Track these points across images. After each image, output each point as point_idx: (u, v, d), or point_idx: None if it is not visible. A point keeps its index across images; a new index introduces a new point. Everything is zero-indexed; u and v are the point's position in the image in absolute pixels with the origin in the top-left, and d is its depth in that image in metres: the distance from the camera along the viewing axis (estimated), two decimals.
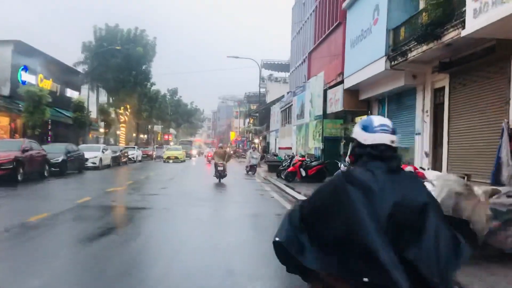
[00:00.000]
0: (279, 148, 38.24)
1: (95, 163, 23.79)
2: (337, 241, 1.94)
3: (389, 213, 1.92)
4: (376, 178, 2.00)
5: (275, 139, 41.24)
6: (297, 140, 29.76)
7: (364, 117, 2.41)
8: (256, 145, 53.77)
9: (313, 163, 17.72)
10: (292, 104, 32.51)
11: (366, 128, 2.17)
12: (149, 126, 74.77)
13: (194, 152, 53.64)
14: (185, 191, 15.22)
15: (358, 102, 19.26)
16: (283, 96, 41.46)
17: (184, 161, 39.72)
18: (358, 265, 1.87)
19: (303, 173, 17.24)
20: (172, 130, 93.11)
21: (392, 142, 2.13)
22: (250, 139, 52.19)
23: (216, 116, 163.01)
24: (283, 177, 18.69)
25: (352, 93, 19.26)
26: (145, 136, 64.23)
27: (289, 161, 18.99)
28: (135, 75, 44.83)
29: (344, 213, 1.95)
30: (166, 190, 15.31)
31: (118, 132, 46.10)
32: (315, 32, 31.11)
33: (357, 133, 2.22)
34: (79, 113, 31.92)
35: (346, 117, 22.79)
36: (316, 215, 2.07)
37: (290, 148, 32.15)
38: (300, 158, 17.51)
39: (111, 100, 44.89)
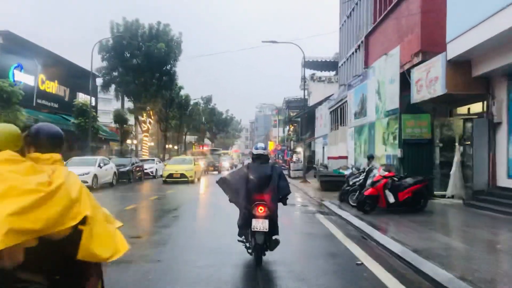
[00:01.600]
0: (328, 158, 31.13)
1: (85, 182, 17.68)
2: (235, 187, 6.27)
3: (258, 176, 6.03)
4: (255, 165, 6.26)
5: (323, 147, 34.15)
6: (356, 147, 22.62)
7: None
8: (299, 155, 46.79)
9: (407, 181, 10.63)
10: (346, 101, 25.45)
11: (255, 148, 6.59)
12: (183, 137, 69.42)
13: (226, 164, 46.56)
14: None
15: (471, 81, 12.11)
16: (330, 96, 34.43)
17: (193, 181, 24.79)
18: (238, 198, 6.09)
19: (391, 199, 10.22)
20: (207, 141, 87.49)
21: (264, 151, 6.52)
22: (292, 147, 45.14)
23: (253, 126, 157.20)
24: (353, 203, 11.78)
25: (459, 67, 12.15)
26: (175, 147, 58.53)
27: (360, 178, 12.02)
28: (159, 77, 39.02)
29: (239, 175, 6.38)
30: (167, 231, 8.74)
31: (134, 142, 40.11)
32: (375, 8, 24.03)
33: (253, 150, 6.57)
34: (82, 118, 26.18)
35: (437, 108, 15.59)
36: (232, 176, 6.62)
37: (346, 158, 24.98)
38: (386, 174, 10.42)
39: (131, 106, 39.18)
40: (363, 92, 21.51)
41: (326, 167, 30.56)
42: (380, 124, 18.49)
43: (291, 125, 67.77)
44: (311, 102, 49.11)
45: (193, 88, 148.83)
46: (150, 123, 40.34)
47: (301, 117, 46.27)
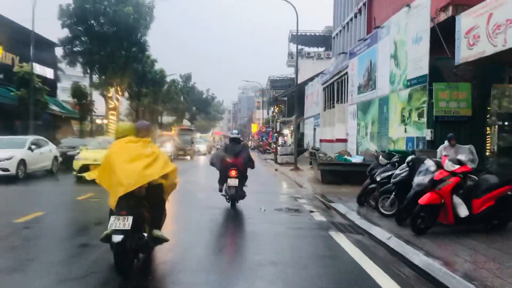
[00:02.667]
0: (321, 141, 27.03)
1: (6, 170, 13.13)
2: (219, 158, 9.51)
3: (233, 154, 9.26)
4: (230, 144, 9.67)
5: (314, 129, 30.02)
6: (360, 127, 18.51)
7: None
8: (285, 138, 42.54)
9: (488, 180, 6.44)
10: (346, 73, 21.22)
11: (231, 133, 10.19)
12: (159, 117, 64.63)
13: (202, 147, 41.94)
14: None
15: None
16: (322, 72, 30.13)
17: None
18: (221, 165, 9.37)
19: (463, 210, 6.05)
20: (186, 122, 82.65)
21: (237, 135, 10.00)
22: (278, 129, 40.87)
23: (236, 107, 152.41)
24: (385, 211, 7.63)
25: None
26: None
27: (398, 173, 7.80)
28: (127, 47, 34.07)
29: (221, 150, 10.02)
30: None
31: (104, 121, 35.18)
32: None
33: (230, 134, 10.31)
34: (24, 90, 21.38)
35: (484, 77, 11.53)
36: (217, 153, 10.98)
37: (345, 141, 20.89)
38: (457, 168, 6.14)
39: (94, 80, 34.21)
40: (371, 59, 17.31)
41: (317, 150, 26.59)
42: (398, 97, 14.34)
43: (276, 106, 63.50)
44: (299, 80, 44.73)
45: (172, 67, 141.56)
46: (117, 99, 35.47)
47: (288, 96, 42.10)
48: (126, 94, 42.65)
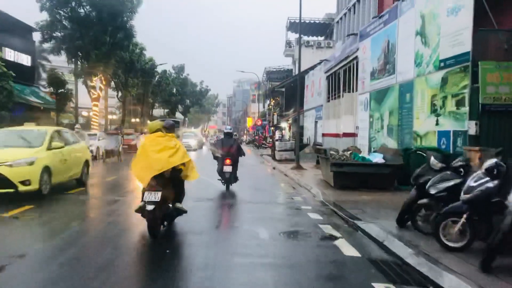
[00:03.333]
0: (324, 136, 24.49)
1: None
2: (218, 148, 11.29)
3: (227, 146, 11.24)
4: (225, 138, 11.62)
5: (315, 122, 27.39)
6: (374, 120, 15.91)
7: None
8: (283, 132, 39.88)
9: None
10: (355, 57, 18.59)
11: (225, 128, 12.39)
12: (150, 110, 61.96)
13: (192, 142, 35.51)
14: None
15: None
16: (322, 61, 27.45)
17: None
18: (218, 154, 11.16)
19: None
20: (179, 115, 79.77)
21: (230, 130, 12.11)
22: (275, 122, 38.19)
23: (231, 101, 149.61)
24: (453, 244, 5.03)
25: None
26: (137, 120, 50.38)
27: (452, 177, 5.27)
28: (112, 32, 31.22)
29: (218, 142, 11.80)
30: None
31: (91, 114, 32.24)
32: None
33: (224, 129, 12.53)
34: None
35: None
36: (214, 144, 12.06)
37: (354, 135, 18.33)
38: None
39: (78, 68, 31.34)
40: (389, 39, 14.68)
41: (319, 146, 24.02)
42: (426, 82, 11.74)
43: (272, 99, 60.85)
44: (297, 71, 42.09)
45: (164, 56, 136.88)
46: (101, 89, 32.65)
47: (286, 87, 39.43)
48: (113, 84, 39.96)
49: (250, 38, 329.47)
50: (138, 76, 42.98)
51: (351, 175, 10.89)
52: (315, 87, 27.84)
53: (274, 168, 19.87)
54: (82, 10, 31.02)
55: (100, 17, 30.72)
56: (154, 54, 50.85)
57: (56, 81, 24.77)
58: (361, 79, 17.43)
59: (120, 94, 40.13)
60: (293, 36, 46.56)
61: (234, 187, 11.50)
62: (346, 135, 19.25)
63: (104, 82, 32.80)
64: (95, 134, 23.68)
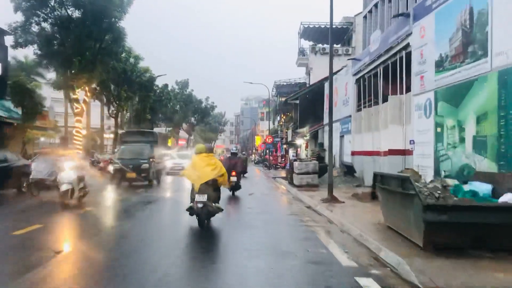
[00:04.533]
0: (353, 154, 19.45)
1: None
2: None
3: (233, 162, 14.96)
4: (231, 157, 15.81)
5: (340, 137, 22.27)
6: (446, 130, 10.77)
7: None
8: (298, 149, 34.74)
9: None
10: (405, 46, 13.58)
11: (232, 149, 17.09)
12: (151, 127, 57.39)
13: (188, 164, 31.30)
14: None
15: None
16: (343, 67, 22.55)
17: None
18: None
19: None
20: (183, 134, 75.05)
21: (236, 150, 17.01)
22: (289, 139, 33.09)
23: (239, 119, 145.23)
24: None
25: None
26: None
27: None
28: (97, 34, 26.66)
29: (227, 161, 15.27)
30: None
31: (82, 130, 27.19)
32: None
33: (231, 150, 17.07)
34: None
35: None
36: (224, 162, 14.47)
37: (405, 153, 13.25)
38: None
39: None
40: (472, 5, 9.66)
41: (350, 166, 18.96)
42: None
43: (283, 115, 55.92)
44: (313, 80, 37.30)
45: (168, 76, 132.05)
46: (85, 102, 27.89)
47: (300, 99, 34.44)
48: (104, 98, 35.30)
49: (258, 52, 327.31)
50: (134, 90, 38.42)
51: (459, 227, 5.74)
52: (339, 95, 22.84)
53: (294, 197, 14.76)
54: (64, 11, 26.64)
55: (84, 18, 26.29)
56: (158, 70, 46.51)
57: (20, 91, 20.03)
58: (418, 74, 12.37)
59: (112, 109, 35.40)
60: (306, 44, 41.79)
61: (240, 245, 7.23)
62: (392, 152, 14.12)
63: (88, 94, 28.06)
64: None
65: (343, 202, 11.77)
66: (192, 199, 8.57)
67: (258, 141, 78.65)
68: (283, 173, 26.35)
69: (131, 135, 22.98)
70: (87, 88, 27.38)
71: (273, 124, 59.58)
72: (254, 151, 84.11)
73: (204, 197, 8.33)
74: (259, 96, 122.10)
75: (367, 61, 17.57)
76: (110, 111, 35.73)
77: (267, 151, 55.14)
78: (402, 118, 13.79)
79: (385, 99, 15.71)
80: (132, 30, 30.36)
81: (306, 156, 28.68)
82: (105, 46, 27.59)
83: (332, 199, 11.95)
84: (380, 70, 16.30)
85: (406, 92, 13.87)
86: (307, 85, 39.20)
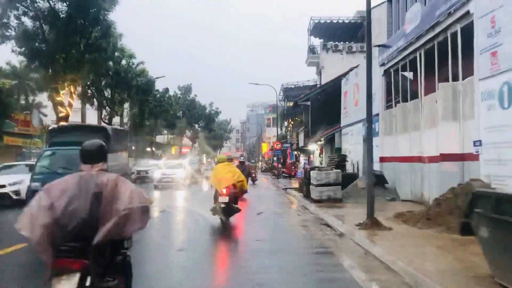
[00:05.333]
0: (382, 160, 16.13)
1: None
2: None
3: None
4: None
5: (363, 141, 18.86)
6: None
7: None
8: (311, 156, 31.35)
9: None
10: (461, 16, 10.29)
11: (239, 157, 22.29)
12: (154, 135, 54.58)
13: (179, 175, 22.63)
14: None
15: None
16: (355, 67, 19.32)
17: None
18: None
19: None
20: (187, 141, 71.92)
21: (243, 158, 22.28)
22: (302, 145, 29.76)
23: (245, 126, 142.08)
24: None
25: None
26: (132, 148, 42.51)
27: None
28: (83, 27, 23.61)
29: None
30: None
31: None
32: None
33: (239, 159, 21.17)
34: None
35: None
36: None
37: (466, 158, 9.87)
38: None
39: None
40: None
41: (380, 175, 15.54)
42: None
43: (291, 120, 52.63)
44: (325, 79, 34.05)
45: (172, 83, 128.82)
46: (70, 105, 24.74)
47: (312, 100, 31.10)
48: (96, 102, 32.18)
49: (264, 56, 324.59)
50: (131, 94, 35.36)
51: None
52: (361, 92, 19.51)
53: (315, 218, 11.39)
54: (46, 3, 23.64)
55: (68, 10, 23.28)
56: (159, 75, 43.38)
57: None
58: (487, 50, 9.03)
59: (104, 113, 32.28)
60: (316, 42, 38.53)
61: None
62: (444, 158, 10.75)
63: (74, 96, 24.93)
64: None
65: (390, 228, 8.38)
66: (215, 201, 10.09)
67: (264, 148, 75.26)
68: (294, 183, 22.98)
69: (66, 132, 14.71)
70: (72, 90, 24.24)
71: (281, 129, 56.24)
72: (260, 158, 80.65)
73: (226, 199, 9.75)
74: (265, 102, 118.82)
75: (401, 45, 14.24)
76: (103, 116, 32.56)
77: (275, 158, 51.86)
78: (459, 112, 10.43)
79: (428, 91, 12.37)
80: (133, 33, 27.59)
81: (320, 163, 25.31)
82: (92, 42, 24.54)
83: (373, 224, 8.56)
84: (420, 55, 12.95)
85: (460, 79, 10.53)
86: (318, 86, 35.94)
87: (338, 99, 25.54)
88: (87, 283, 3.13)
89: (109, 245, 3.23)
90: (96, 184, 3.26)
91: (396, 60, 15.01)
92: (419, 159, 12.49)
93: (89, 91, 29.26)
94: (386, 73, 16.22)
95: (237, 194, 10.33)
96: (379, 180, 16.18)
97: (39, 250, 3.01)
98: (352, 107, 20.86)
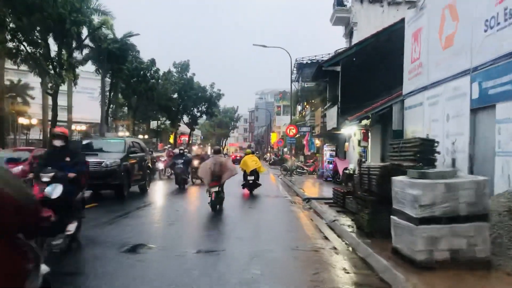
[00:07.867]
0: None
1: None
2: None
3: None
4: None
5: (471, 115, 9.35)
6: None
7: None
8: (347, 146, 21.76)
9: None
10: None
11: (249, 148, 38.28)
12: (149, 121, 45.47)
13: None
14: None
15: None
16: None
17: None
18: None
19: None
20: (184, 128, 62.46)
21: (252, 149, 31.36)
22: (331, 128, 20.21)
23: (253, 115, 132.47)
24: None
25: None
26: (126, 134, 33.77)
27: None
28: None
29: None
30: None
31: None
32: None
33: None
34: None
35: None
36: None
37: None
38: None
39: None
40: None
41: None
42: None
43: (306, 104, 43.10)
44: (354, 40, 24.51)
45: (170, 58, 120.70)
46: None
47: (343, 65, 21.33)
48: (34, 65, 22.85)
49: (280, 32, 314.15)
50: (93, 56, 26.10)
51: None
52: (465, 14, 9.91)
53: None
54: None
55: None
56: (160, 55, 33.91)
57: None
58: None
59: (48, 82, 22.90)
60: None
61: None
62: None
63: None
64: None
65: None
66: (245, 179, 16.25)
67: (274, 138, 65.46)
68: (315, 186, 13.53)
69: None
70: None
71: (294, 115, 46.53)
72: (269, 149, 71.06)
73: (252, 178, 16.04)
74: (275, 89, 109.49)
75: None
76: (50, 86, 23.22)
77: (285, 149, 42.26)
78: None
79: None
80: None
81: (361, 156, 15.76)
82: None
83: None
84: None
85: None
86: (346, 53, 26.37)
87: (386, 60, 16.28)
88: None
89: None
90: (220, 160, 11.86)
91: None
92: None
93: (20, 46, 20.01)
94: None
95: (258, 175, 16.58)
96: None
97: (207, 181, 11.40)
98: (438, 52, 11.19)
